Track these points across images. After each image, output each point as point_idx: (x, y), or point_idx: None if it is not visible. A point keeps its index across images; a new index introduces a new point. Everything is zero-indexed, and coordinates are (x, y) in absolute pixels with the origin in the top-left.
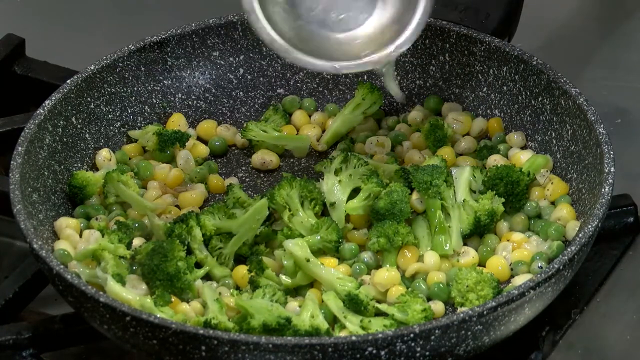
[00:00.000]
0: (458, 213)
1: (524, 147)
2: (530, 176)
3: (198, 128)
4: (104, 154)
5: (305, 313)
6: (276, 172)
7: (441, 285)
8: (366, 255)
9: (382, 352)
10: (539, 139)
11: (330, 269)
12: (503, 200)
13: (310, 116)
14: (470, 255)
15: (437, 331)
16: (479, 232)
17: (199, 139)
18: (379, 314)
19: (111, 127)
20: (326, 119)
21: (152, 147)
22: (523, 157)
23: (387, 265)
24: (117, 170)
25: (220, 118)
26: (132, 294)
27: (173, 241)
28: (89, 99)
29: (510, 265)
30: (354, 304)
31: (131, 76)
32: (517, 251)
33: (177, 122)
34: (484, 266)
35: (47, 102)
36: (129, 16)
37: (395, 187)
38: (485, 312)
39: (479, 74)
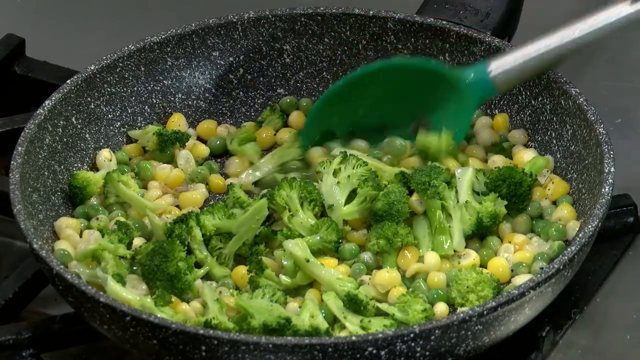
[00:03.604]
0: (460, 214)
1: (526, 144)
2: (532, 177)
3: (198, 128)
4: (104, 154)
5: (305, 313)
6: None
7: (440, 291)
8: (366, 256)
9: (382, 352)
10: (539, 139)
11: (330, 269)
12: (505, 202)
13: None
14: (471, 257)
15: (437, 331)
16: (481, 233)
17: (199, 139)
18: (379, 314)
19: (111, 127)
20: None
21: (152, 147)
22: (526, 157)
23: (388, 267)
24: (117, 171)
25: (220, 118)
26: (132, 294)
27: (173, 241)
28: (89, 99)
29: (511, 266)
30: (353, 303)
31: (131, 76)
32: (518, 253)
33: (177, 122)
34: (486, 267)
35: (47, 102)
36: (129, 16)
37: (393, 188)
38: (485, 312)
39: None
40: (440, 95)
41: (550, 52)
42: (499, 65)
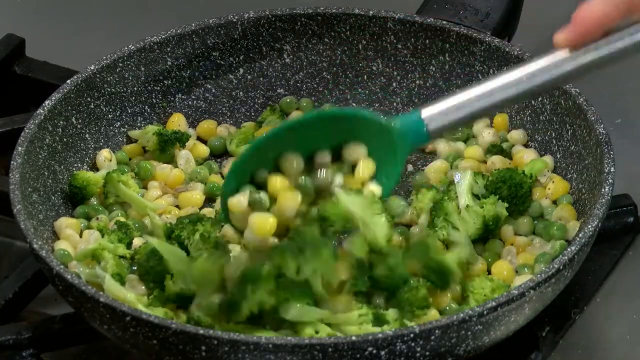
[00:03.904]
0: (464, 224)
1: (526, 145)
2: (532, 178)
3: (198, 128)
4: (104, 154)
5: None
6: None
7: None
8: (379, 300)
9: (382, 352)
10: (539, 139)
11: (349, 315)
12: (507, 205)
13: None
14: (479, 262)
15: (437, 331)
16: (485, 237)
17: (199, 139)
18: None
19: (111, 127)
20: None
21: (152, 147)
22: (526, 157)
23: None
24: (117, 171)
25: (220, 118)
26: (129, 293)
27: (171, 244)
28: (89, 99)
29: (515, 268)
30: (379, 322)
31: (131, 76)
32: (521, 255)
33: (177, 122)
34: (489, 271)
35: (47, 102)
36: (129, 16)
37: (388, 250)
38: (485, 312)
39: (479, 74)
40: (371, 145)
41: (490, 99)
42: (432, 113)
